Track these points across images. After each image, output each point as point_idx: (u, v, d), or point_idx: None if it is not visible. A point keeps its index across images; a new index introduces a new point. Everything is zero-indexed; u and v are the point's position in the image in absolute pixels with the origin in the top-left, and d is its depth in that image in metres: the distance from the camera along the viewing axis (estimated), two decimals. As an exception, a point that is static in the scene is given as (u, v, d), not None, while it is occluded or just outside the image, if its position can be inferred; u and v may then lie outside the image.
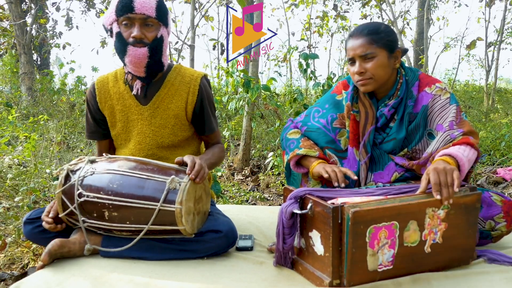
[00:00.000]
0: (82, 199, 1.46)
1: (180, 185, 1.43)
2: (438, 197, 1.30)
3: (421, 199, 1.33)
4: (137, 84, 1.67)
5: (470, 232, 1.42)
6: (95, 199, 1.45)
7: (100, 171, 1.49)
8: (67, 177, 1.51)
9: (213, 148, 1.82)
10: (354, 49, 1.58)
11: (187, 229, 1.45)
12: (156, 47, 1.59)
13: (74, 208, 1.47)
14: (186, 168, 1.51)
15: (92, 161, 1.55)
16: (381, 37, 1.58)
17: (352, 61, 1.61)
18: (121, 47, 1.58)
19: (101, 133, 1.81)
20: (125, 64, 1.64)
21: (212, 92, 1.82)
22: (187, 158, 1.51)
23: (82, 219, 1.48)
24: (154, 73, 1.66)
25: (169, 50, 5.67)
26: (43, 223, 1.52)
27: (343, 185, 1.50)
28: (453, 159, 1.42)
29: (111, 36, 1.63)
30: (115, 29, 1.59)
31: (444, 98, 1.60)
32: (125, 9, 1.54)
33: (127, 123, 1.73)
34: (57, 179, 1.52)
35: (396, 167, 1.65)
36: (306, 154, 1.66)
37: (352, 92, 1.71)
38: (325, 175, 1.54)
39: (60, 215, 1.51)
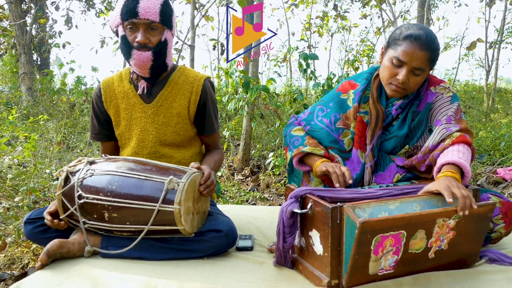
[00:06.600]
0: (82, 201, 1.46)
1: (178, 185, 1.43)
2: (451, 200, 1.28)
3: (432, 210, 1.29)
4: (142, 84, 1.71)
5: (477, 239, 1.41)
6: (95, 201, 1.45)
7: (99, 173, 1.49)
8: (67, 179, 1.51)
9: (213, 155, 1.83)
10: (412, 58, 1.50)
11: (187, 228, 1.45)
12: (160, 51, 1.62)
13: (75, 209, 1.47)
14: (184, 168, 1.52)
15: (91, 162, 1.55)
16: (436, 57, 1.54)
17: (400, 64, 1.53)
18: (126, 50, 1.62)
19: (106, 135, 1.83)
20: (130, 65, 1.67)
21: (215, 94, 1.84)
22: (206, 169, 1.56)
23: (82, 220, 1.48)
24: (158, 74, 1.70)
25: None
26: (46, 221, 1.52)
27: (350, 181, 1.50)
28: (458, 168, 1.41)
29: (118, 37, 1.66)
30: (121, 32, 1.62)
31: (446, 96, 1.62)
32: (130, 14, 1.56)
33: (130, 121, 1.75)
34: (57, 179, 1.52)
35: (398, 168, 1.64)
36: (312, 152, 1.65)
37: (361, 93, 1.69)
38: (331, 170, 1.53)
39: (61, 217, 1.51)
